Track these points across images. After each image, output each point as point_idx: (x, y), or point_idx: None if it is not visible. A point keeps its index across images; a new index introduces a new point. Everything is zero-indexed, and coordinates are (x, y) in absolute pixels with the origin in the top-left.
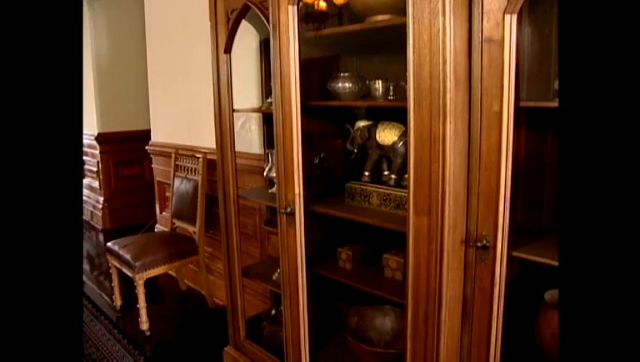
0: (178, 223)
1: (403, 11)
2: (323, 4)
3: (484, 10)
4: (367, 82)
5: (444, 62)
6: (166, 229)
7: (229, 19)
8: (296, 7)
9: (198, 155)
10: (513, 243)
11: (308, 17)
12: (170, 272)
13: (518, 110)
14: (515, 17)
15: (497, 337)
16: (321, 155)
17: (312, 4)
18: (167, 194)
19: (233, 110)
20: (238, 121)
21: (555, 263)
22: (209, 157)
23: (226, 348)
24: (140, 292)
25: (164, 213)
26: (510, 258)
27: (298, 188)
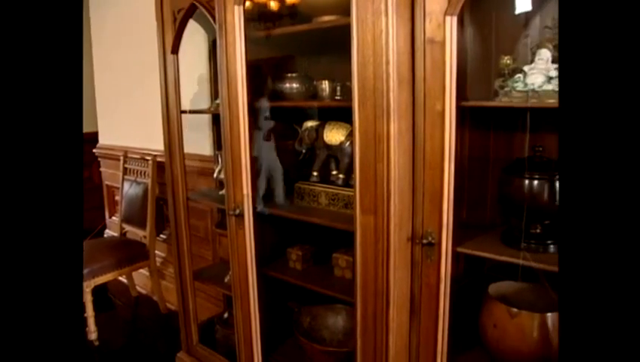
0: (128, 228)
1: (349, 12)
2: (273, 4)
3: (426, 12)
4: (315, 82)
5: (387, 62)
6: (116, 234)
7: (175, 19)
8: (242, 7)
9: (147, 158)
10: (458, 239)
11: (260, 17)
12: (120, 278)
13: (461, 110)
14: (455, 19)
15: (444, 332)
16: None
17: (264, 4)
18: (117, 198)
19: (181, 111)
20: (188, 122)
21: (498, 257)
22: (159, 159)
23: (178, 354)
24: (88, 300)
25: (113, 218)
26: (455, 254)
27: (246, 188)
